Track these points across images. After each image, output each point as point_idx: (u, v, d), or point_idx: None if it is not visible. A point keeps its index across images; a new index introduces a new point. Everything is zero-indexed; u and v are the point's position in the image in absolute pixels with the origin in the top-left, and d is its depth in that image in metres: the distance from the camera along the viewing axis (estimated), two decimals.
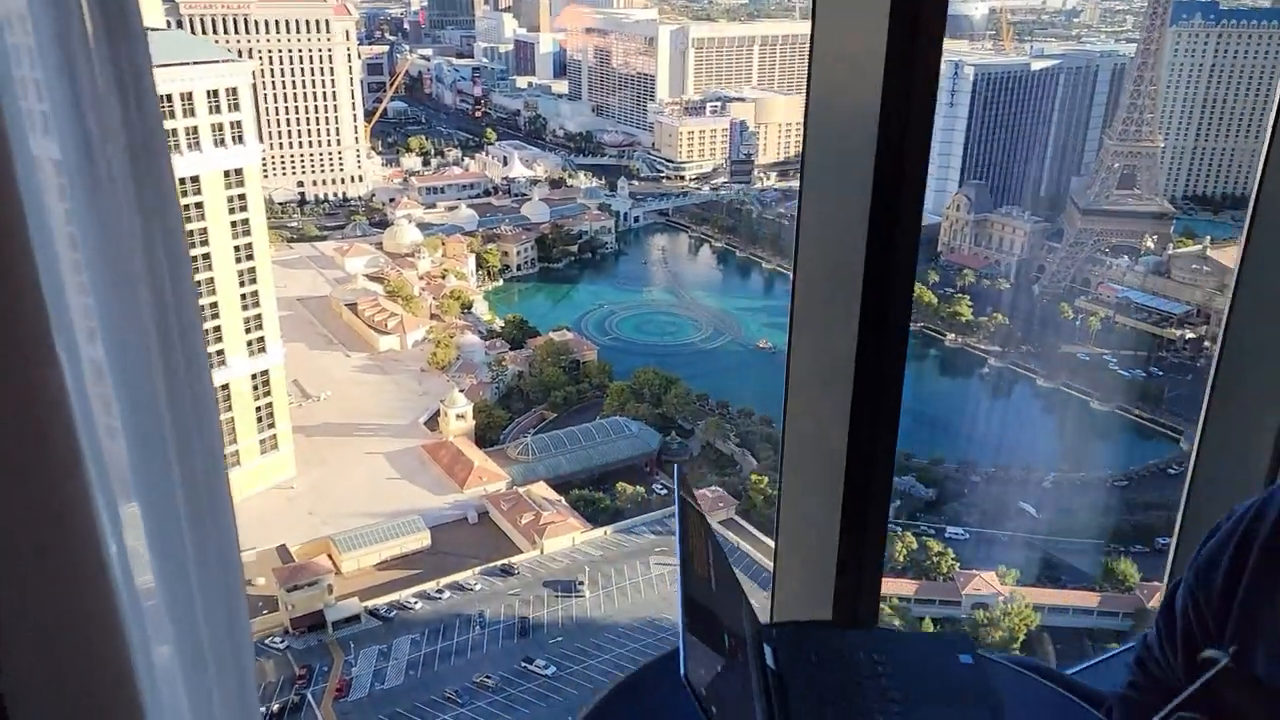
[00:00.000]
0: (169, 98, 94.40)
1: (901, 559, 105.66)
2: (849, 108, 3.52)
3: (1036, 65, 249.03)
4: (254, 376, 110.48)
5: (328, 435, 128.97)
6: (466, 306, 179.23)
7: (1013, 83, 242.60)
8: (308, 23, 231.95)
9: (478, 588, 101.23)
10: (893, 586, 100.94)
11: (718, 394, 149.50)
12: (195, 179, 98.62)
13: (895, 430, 3.90)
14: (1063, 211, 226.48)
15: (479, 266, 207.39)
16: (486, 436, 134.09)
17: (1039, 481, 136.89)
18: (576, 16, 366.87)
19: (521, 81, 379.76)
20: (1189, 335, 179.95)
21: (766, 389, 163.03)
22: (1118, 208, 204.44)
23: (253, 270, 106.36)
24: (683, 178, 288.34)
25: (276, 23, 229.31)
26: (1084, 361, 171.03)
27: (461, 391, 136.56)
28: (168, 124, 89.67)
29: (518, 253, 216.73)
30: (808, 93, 3.80)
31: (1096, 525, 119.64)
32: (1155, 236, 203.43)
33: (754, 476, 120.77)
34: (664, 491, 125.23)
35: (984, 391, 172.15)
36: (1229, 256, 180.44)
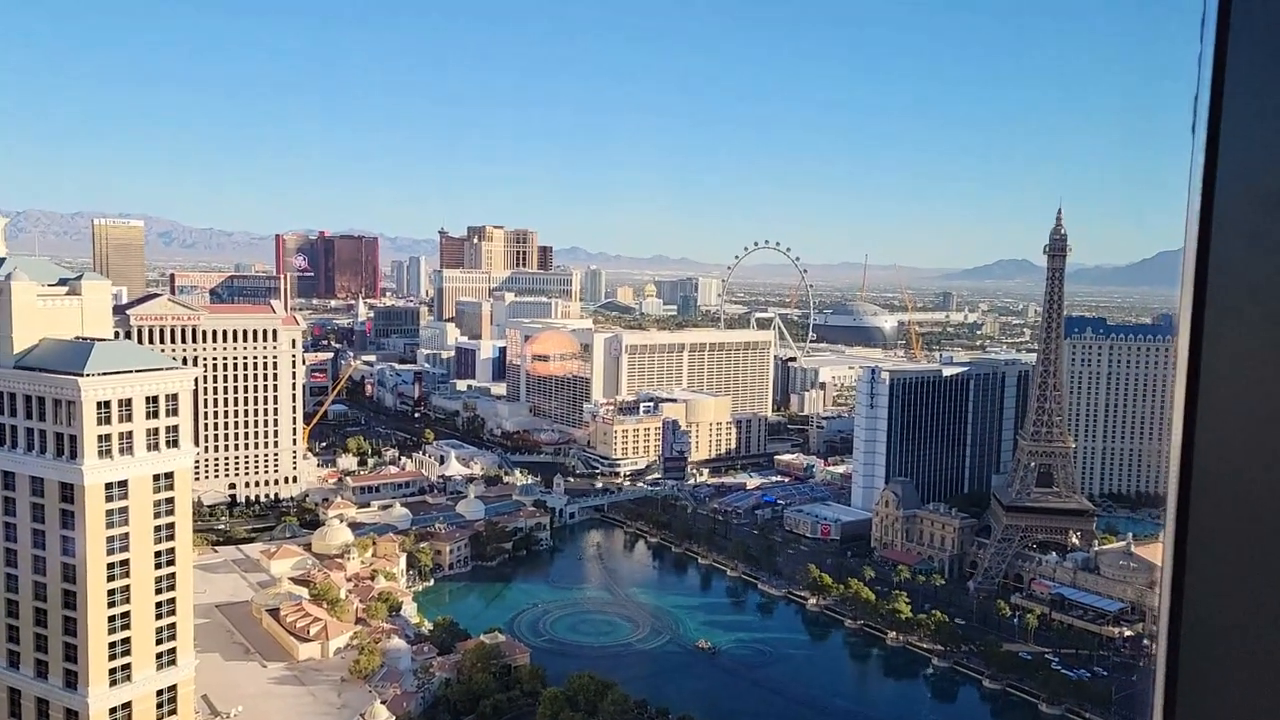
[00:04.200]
0: (106, 404, 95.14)
1: None
2: None
3: (948, 371, 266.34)
4: (159, 693, 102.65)
5: None
6: (395, 609, 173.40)
7: (927, 387, 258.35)
8: (256, 332, 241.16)
9: None
10: None
11: (657, 699, 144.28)
12: (123, 484, 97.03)
13: None
14: (987, 508, 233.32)
15: (411, 566, 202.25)
16: None
17: None
18: (518, 327, 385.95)
19: (461, 384, 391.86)
20: (1127, 633, 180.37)
21: (706, 692, 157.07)
22: (1039, 505, 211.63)
23: (172, 577, 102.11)
24: (617, 474, 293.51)
25: (225, 333, 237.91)
26: (1026, 661, 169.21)
27: (384, 703, 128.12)
28: (102, 429, 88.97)
29: (451, 551, 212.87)
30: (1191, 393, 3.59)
31: None
32: (1079, 533, 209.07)
33: None
34: None
35: (930, 694, 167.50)
36: (1153, 553, 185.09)
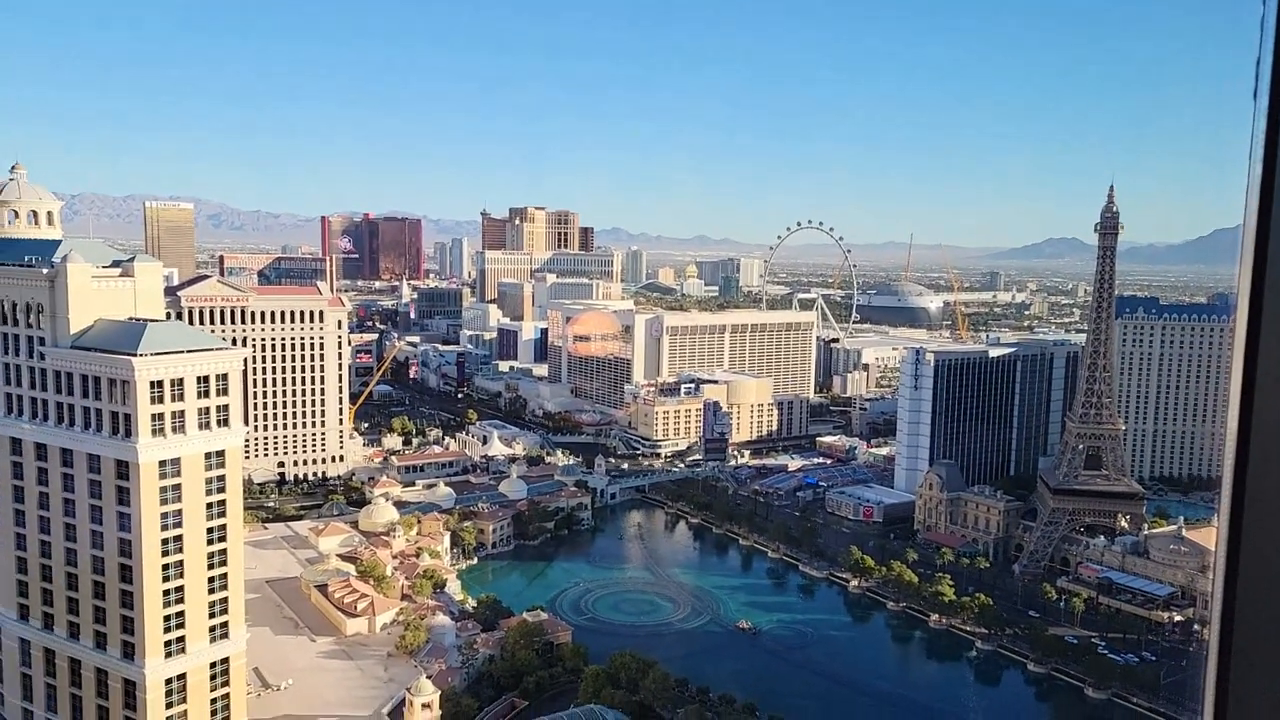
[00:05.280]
0: (159, 384, 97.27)
1: None
2: None
3: (994, 352, 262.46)
4: (213, 665, 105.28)
5: None
6: (439, 586, 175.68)
7: (973, 368, 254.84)
8: (303, 313, 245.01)
9: None
10: None
11: (697, 678, 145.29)
12: (176, 462, 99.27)
13: None
14: (1034, 491, 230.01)
15: (454, 544, 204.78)
16: None
17: None
18: (559, 309, 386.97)
19: (503, 365, 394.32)
20: (1177, 618, 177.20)
21: (747, 672, 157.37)
22: (1088, 487, 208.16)
23: (224, 552, 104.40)
24: (658, 455, 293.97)
25: (273, 314, 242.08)
26: (1072, 645, 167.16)
27: (429, 677, 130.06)
28: (155, 409, 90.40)
29: (494, 530, 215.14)
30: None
31: None
32: (1128, 516, 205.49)
33: None
34: None
35: (973, 677, 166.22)
36: (1205, 537, 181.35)
